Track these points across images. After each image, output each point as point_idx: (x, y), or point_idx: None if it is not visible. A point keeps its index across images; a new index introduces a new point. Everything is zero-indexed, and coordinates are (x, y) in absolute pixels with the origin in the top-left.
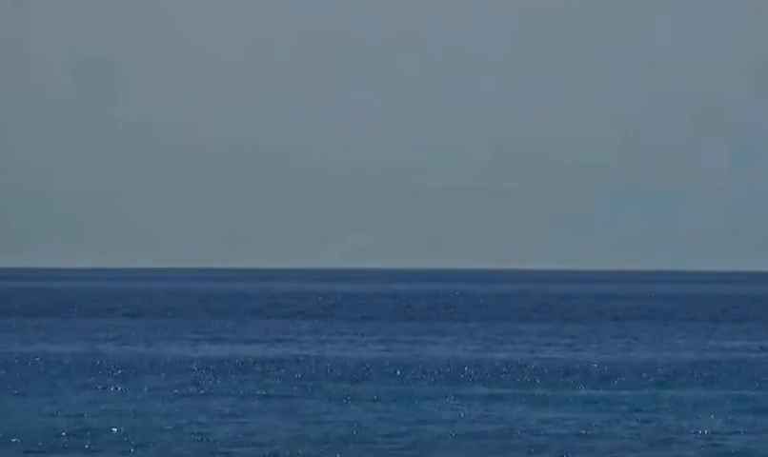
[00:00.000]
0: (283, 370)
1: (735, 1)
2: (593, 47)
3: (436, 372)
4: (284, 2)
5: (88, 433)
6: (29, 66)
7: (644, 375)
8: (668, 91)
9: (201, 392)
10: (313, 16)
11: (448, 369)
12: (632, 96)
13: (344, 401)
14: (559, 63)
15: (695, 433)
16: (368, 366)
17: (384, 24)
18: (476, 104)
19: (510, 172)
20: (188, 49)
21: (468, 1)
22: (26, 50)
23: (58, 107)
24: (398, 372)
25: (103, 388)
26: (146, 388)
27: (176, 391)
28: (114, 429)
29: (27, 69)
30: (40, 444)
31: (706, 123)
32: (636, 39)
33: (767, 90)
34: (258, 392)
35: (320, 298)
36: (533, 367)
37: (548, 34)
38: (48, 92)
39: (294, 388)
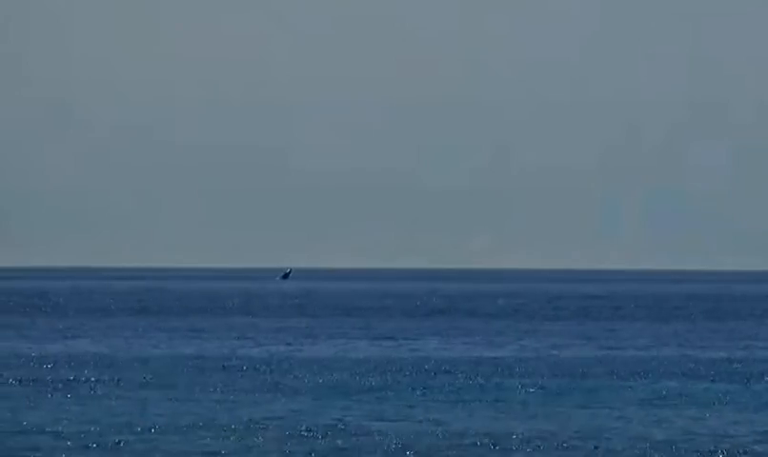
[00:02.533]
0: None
1: (734, 0)
2: (593, 46)
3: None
4: (284, 2)
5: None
6: (28, 65)
7: None
8: (668, 91)
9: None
10: (313, 16)
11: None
12: (632, 96)
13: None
14: (559, 62)
15: None
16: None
17: (384, 23)
18: (477, 103)
19: (509, 172)
20: (188, 49)
21: (467, 1)
22: (25, 50)
23: (58, 106)
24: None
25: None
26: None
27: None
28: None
29: (26, 69)
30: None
31: (706, 123)
32: (637, 39)
33: (767, 90)
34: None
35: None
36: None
37: (548, 34)
38: (47, 92)
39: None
